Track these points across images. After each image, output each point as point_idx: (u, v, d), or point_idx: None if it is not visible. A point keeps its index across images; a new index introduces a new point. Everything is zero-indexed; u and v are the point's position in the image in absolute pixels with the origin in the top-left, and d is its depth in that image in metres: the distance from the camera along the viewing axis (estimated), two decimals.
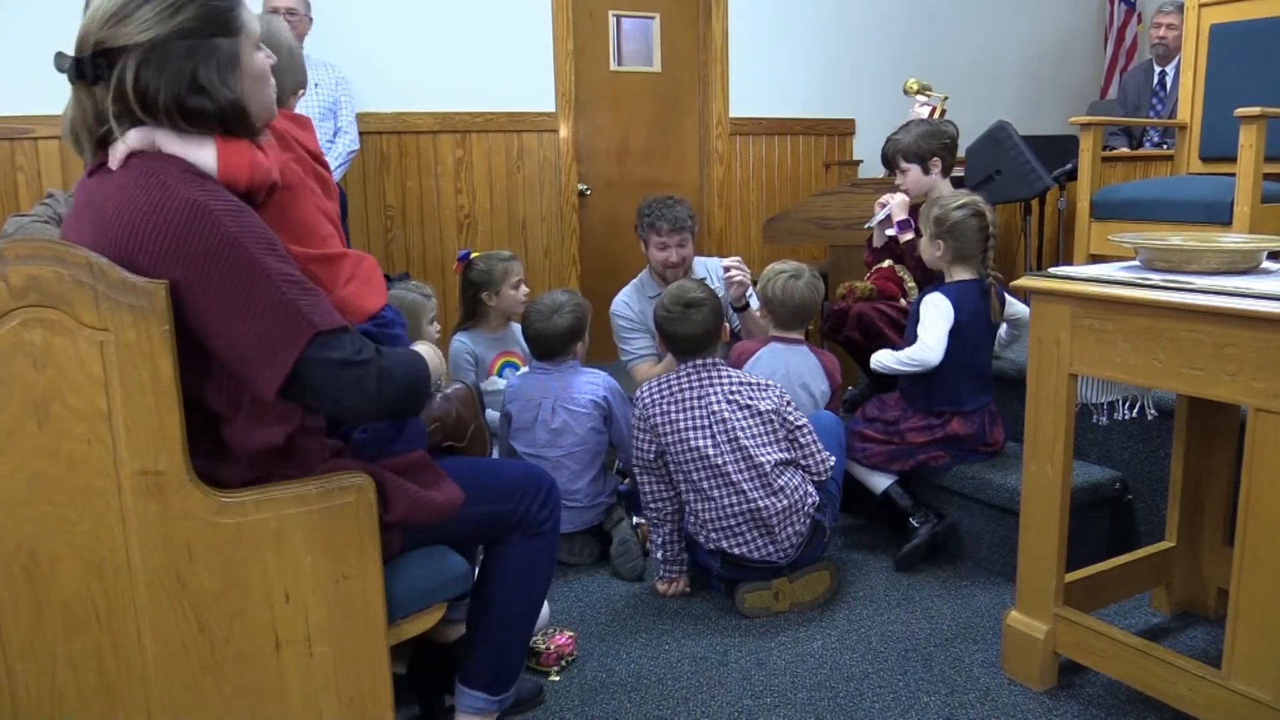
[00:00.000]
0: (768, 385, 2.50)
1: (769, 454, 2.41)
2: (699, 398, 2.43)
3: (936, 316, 2.62)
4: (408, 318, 2.60)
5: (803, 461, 2.48)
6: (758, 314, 3.23)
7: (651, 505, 2.53)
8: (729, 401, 2.43)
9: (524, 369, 3.00)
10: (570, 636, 2.24)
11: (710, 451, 2.39)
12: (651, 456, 2.47)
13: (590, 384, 2.75)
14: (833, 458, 2.53)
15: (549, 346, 2.75)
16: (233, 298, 1.26)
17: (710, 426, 2.41)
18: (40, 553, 1.28)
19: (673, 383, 2.48)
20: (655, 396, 2.47)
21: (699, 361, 2.50)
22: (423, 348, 1.64)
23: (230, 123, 1.35)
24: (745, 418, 2.42)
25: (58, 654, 1.31)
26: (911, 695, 2.05)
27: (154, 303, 1.23)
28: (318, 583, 1.38)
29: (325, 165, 1.63)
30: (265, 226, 1.33)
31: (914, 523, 2.71)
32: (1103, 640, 1.92)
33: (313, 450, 1.41)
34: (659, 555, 2.58)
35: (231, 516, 1.32)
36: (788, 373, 2.81)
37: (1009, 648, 2.09)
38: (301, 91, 1.69)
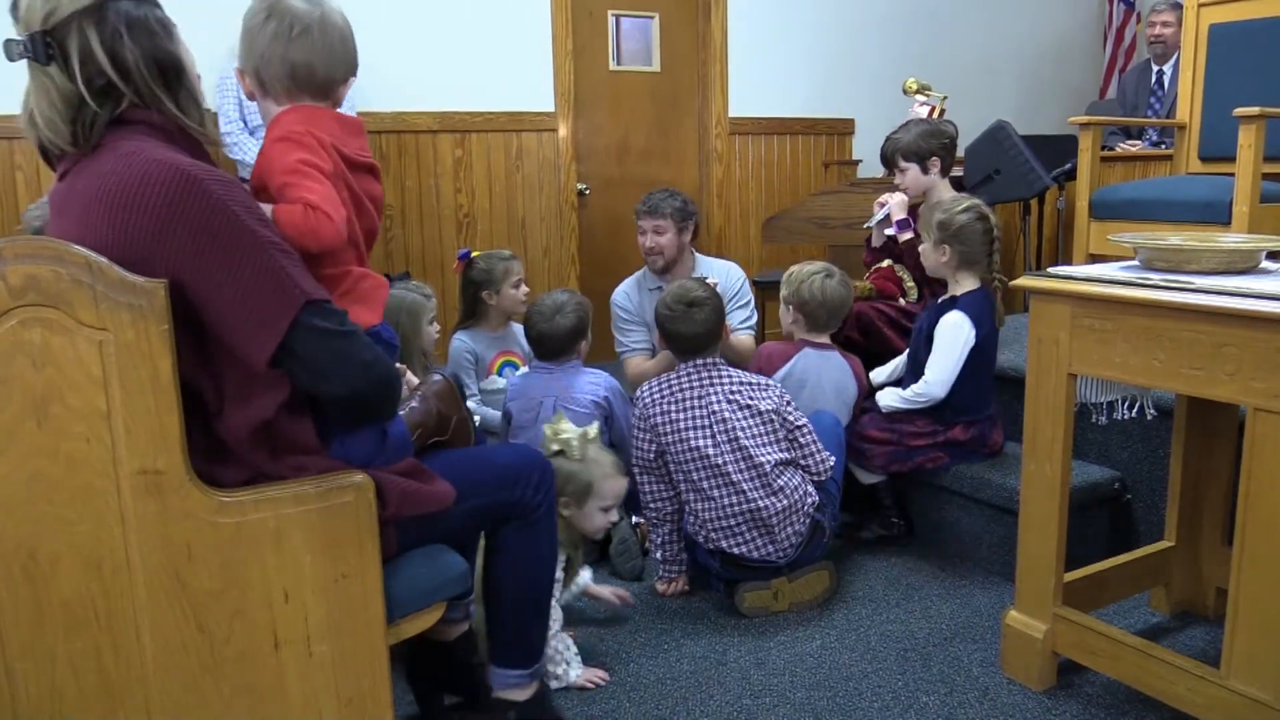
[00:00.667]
0: (768, 385, 2.50)
1: (769, 454, 2.41)
2: (699, 398, 2.43)
3: (956, 345, 2.58)
4: (407, 318, 2.60)
5: (802, 461, 2.48)
6: (739, 337, 3.22)
7: (651, 505, 2.53)
8: (729, 401, 2.43)
9: (524, 369, 3.00)
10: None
11: (710, 451, 2.39)
12: (651, 456, 2.47)
13: (591, 384, 2.75)
14: (832, 458, 2.53)
15: (552, 347, 2.75)
16: (225, 264, 1.26)
17: (710, 426, 2.40)
18: (40, 552, 1.27)
19: (673, 382, 2.48)
20: (655, 396, 2.47)
21: (699, 361, 2.49)
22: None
23: (185, 81, 1.36)
24: (745, 417, 2.42)
25: (57, 654, 1.30)
26: (910, 695, 2.05)
27: (153, 302, 1.23)
28: (317, 582, 1.38)
29: (374, 170, 1.60)
30: (250, 196, 1.33)
31: (878, 523, 2.85)
32: (1102, 640, 1.92)
33: (303, 439, 1.40)
34: (658, 555, 2.58)
35: (231, 516, 1.32)
36: (820, 380, 2.79)
37: (1008, 647, 2.10)
38: (353, 79, 1.64)
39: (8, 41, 1.27)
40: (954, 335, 2.60)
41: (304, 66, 1.52)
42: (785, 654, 2.24)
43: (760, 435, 2.42)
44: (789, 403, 2.50)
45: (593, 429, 2.25)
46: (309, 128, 1.49)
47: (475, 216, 4.58)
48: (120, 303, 1.22)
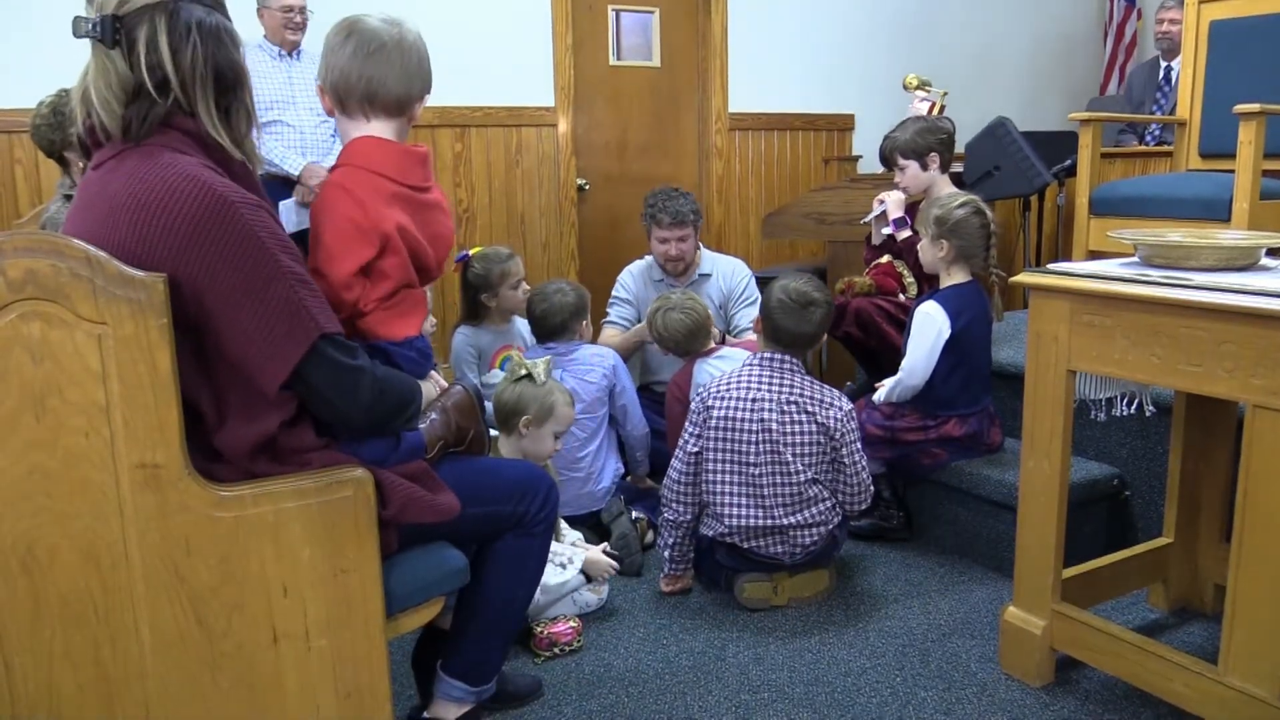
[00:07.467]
0: (836, 399, 2.42)
1: (805, 472, 2.37)
2: (753, 399, 2.38)
3: (928, 334, 2.60)
4: None
5: (841, 489, 2.43)
6: (751, 338, 3.22)
7: (674, 504, 2.46)
8: (792, 403, 2.37)
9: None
10: (571, 627, 2.25)
11: (751, 457, 2.36)
12: (693, 445, 2.43)
13: (597, 354, 2.86)
14: (872, 488, 2.49)
15: (556, 323, 2.86)
16: (245, 289, 1.27)
17: (759, 432, 2.36)
18: (38, 546, 1.27)
19: (744, 375, 2.43)
20: (720, 389, 2.42)
21: (778, 357, 2.43)
22: (423, 385, 1.65)
23: (242, 94, 1.38)
24: (797, 428, 2.37)
25: (55, 648, 1.31)
26: (909, 690, 2.06)
27: (152, 296, 1.23)
28: (316, 576, 1.38)
29: (440, 206, 1.65)
30: (278, 225, 1.34)
31: (876, 513, 2.84)
32: (1100, 636, 1.92)
33: (305, 443, 1.41)
34: (666, 554, 2.54)
35: (229, 510, 1.32)
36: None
37: (1006, 643, 2.10)
38: (428, 96, 1.67)
39: (78, 18, 1.28)
40: (925, 324, 2.61)
41: (380, 84, 1.57)
42: (784, 649, 2.25)
43: (804, 449, 2.37)
44: (851, 415, 2.43)
45: (546, 361, 2.40)
46: (369, 194, 1.53)
47: (475, 211, 4.57)
48: (119, 297, 1.22)
